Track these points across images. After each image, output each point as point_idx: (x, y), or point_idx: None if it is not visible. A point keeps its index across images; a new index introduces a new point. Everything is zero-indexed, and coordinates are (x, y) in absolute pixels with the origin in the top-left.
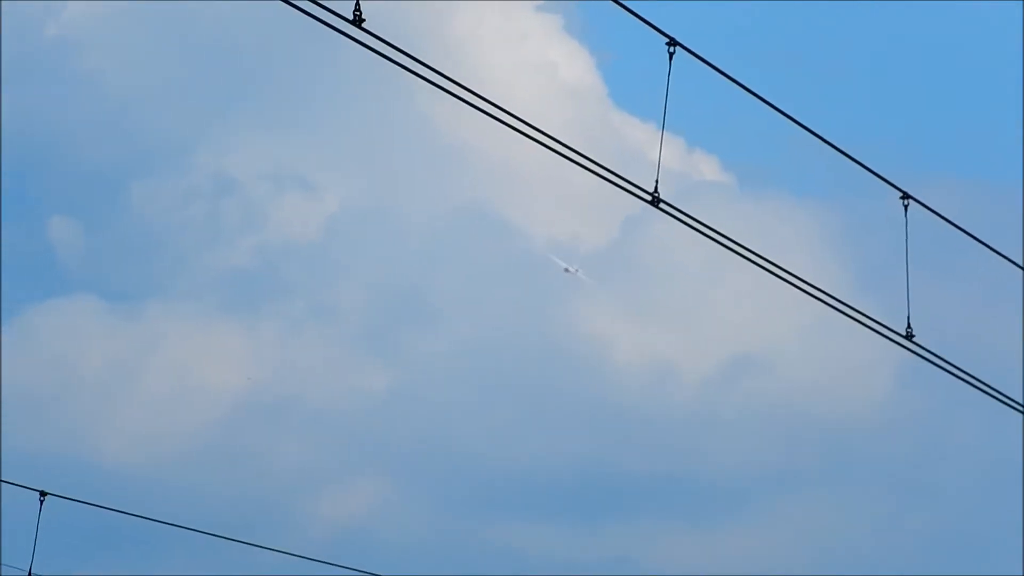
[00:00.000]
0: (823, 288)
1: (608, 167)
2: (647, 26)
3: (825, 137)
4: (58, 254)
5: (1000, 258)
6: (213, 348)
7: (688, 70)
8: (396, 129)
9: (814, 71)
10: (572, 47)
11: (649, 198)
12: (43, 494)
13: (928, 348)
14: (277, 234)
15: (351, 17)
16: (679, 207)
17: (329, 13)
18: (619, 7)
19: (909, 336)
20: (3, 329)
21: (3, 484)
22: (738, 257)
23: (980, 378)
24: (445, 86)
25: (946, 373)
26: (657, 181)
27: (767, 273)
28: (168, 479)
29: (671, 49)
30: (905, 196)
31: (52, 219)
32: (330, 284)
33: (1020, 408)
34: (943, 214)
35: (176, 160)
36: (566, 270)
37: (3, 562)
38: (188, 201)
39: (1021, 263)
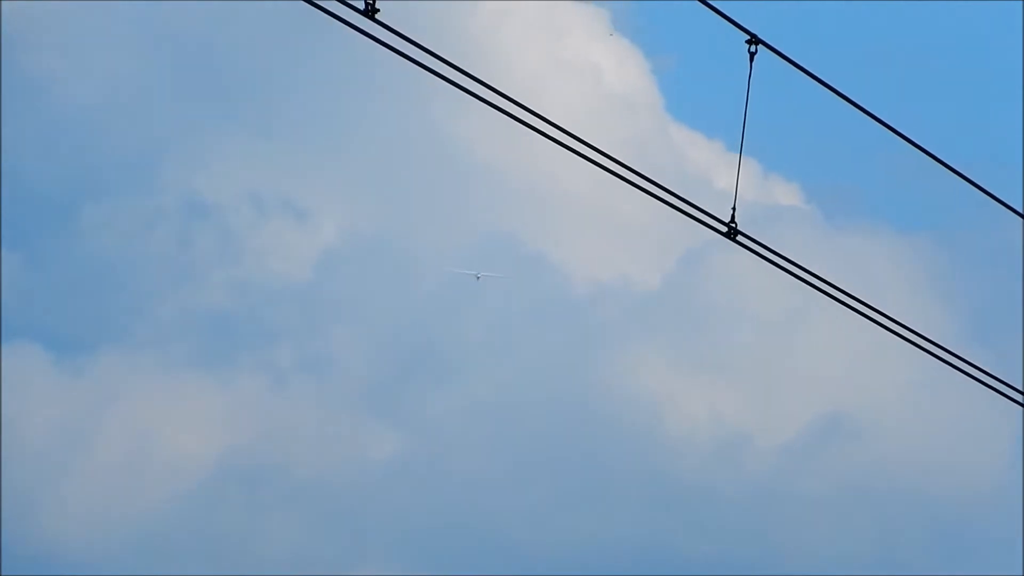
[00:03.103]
0: (929, 337)
1: (671, 190)
2: (718, 23)
3: (933, 153)
4: None
5: None
6: (181, 408)
7: (763, 78)
8: (407, 145)
9: (918, 79)
10: (621, 48)
11: (724, 229)
12: None
13: None
14: (260, 270)
15: (362, 7)
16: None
17: (337, 2)
18: (680, 0)
19: None
20: None
21: None
22: (825, 300)
23: None
24: (469, 87)
25: None
26: (734, 208)
27: (861, 318)
28: (124, 567)
29: (752, 48)
30: None
31: None
32: (324, 331)
33: None
34: None
35: (137, 180)
36: (477, 278)
37: None
38: (151, 229)
39: None
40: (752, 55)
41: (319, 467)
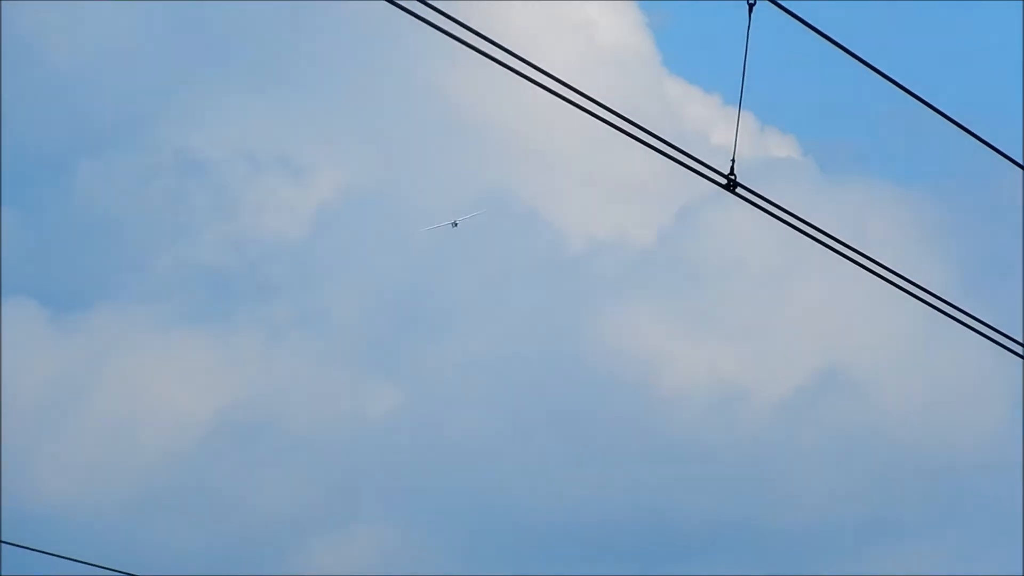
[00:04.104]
0: (927, 288)
1: (670, 142)
2: None
3: (931, 103)
4: None
5: None
6: (176, 363)
7: (761, 30)
8: (403, 101)
9: (916, 30)
10: (617, 3)
11: (724, 182)
12: None
13: None
14: (255, 225)
15: None
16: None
17: None
18: None
19: None
20: None
21: None
22: (822, 253)
23: None
24: (465, 38)
25: None
26: (734, 160)
27: (859, 271)
28: (119, 523)
29: (751, 0)
30: None
31: None
32: (320, 285)
33: None
34: None
35: (132, 136)
36: (454, 224)
37: None
38: (146, 185)
39: None
40: (751, 7)
41: (316, 423)
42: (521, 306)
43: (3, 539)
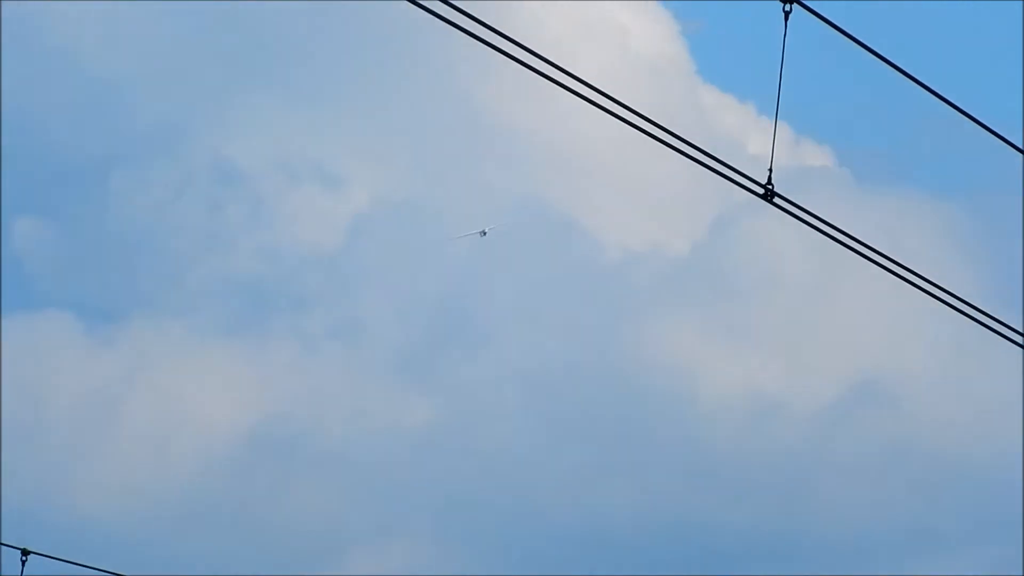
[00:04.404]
0: (965, 298)
1: (706, 151)
2: None
3: (968, 112)
4: (24, 262)
5: None
6: (212, 375)
7: (796, 39)
8: (437, 109)
9: (953, 39)
10: (650, 9)
11: (761, 191)
12: (25, 552)
13: None
14: (290, 236)
15: None
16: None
17: None
18: None
19: None
20: None
21: None
22: (859, 264)
23: None
24: (501, 46)
25: None
26: (771, 170)
27: (896, 282)
28: (156, 537)
29: (787, 8)
30: None
31: (17, 221)
32: (355, 297)
33: None
34: None
35: (167, 147)
36: (483, 233)
37: None
38: (181, 196)
39: None
40: (787, 15)
41: (350, 435)
42: (556, 317)
43: (39, 551)
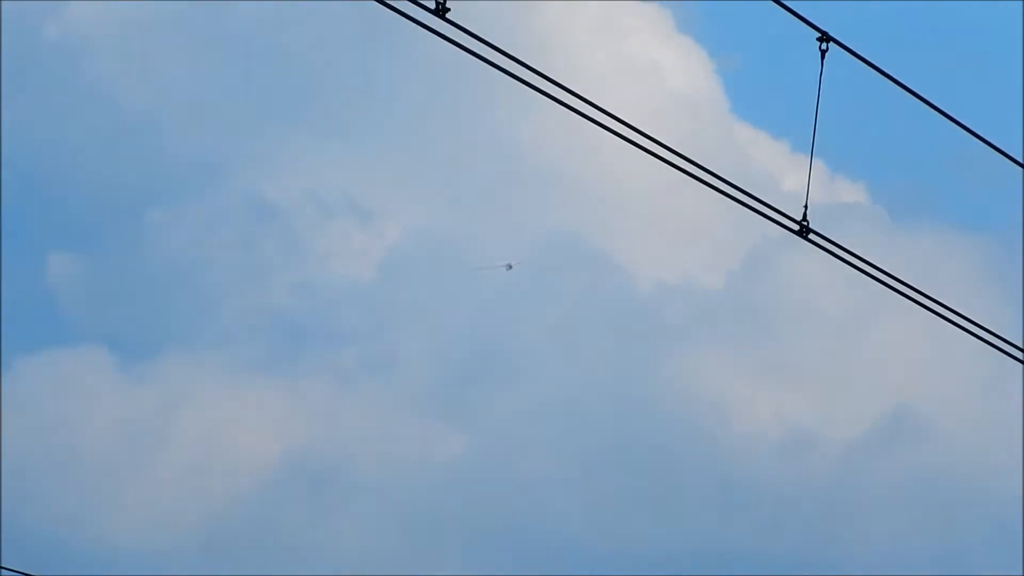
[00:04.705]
0: (998, 333)
1: (741, 187)
2: (786, 21)
3: (1001, 149)
4: (58, 297)
5: None
6: (246, 410)
7: (830, 76)
8: (472, 144)
9: (986, 77)
10: (684, 46)
11: (796, 227)
12: None
13: None
14: (324, 271)
15: (433, 6)
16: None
17: (408, 1)
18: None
19: None
20: None
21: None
22: (892, 299)
23: None
24: (535, 83)
25: None
26: (806, 206)
27: (929, 316)
28: (190, 568)
29: (824, 46)
30: None
31: (51, 255)
32: (389, 332)
33: None
34: None
35: (202, 182)
36: (508, 267)
37: None
38: (216, 231)
39: None
40: (823, 53)
41: (384, 469)
42: (588, 351)
43: None
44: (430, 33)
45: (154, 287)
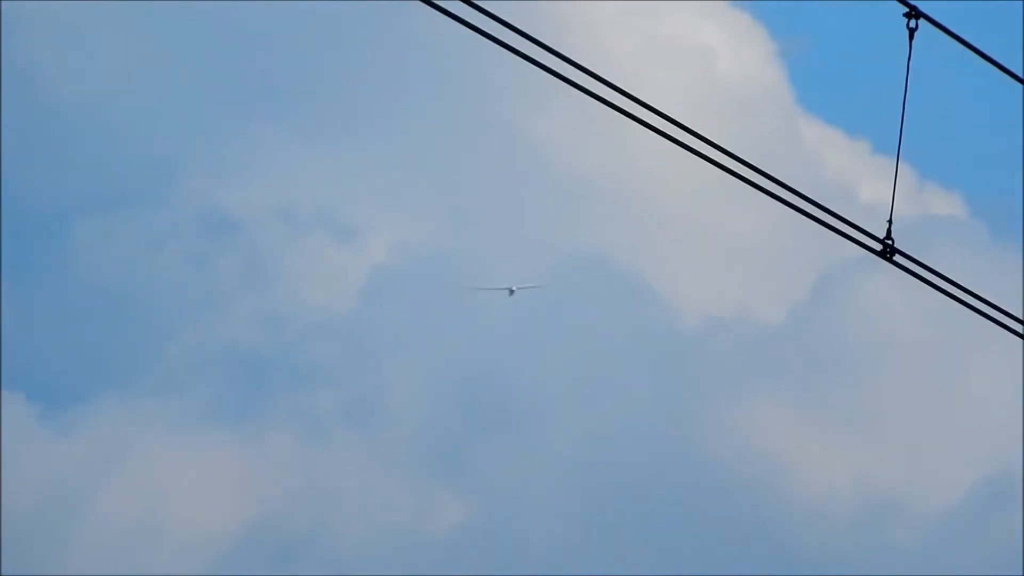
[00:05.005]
0: None
1: (812, 199)
2: None
3: None
4: None
5: None
6: (197, 469)
7: (920, 64)
8: (473, 147)
9: None
10: (741, 27)
11: (879, 248)
12: None
13: None
14: (293, 299)
15: None
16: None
17: None
18: None
19: None
20: None
21: None
22: (995, 333)
23: None
24: (553, 65)
25: None
26: (891, 221)
27: None
28: None
29: (912, 24)
30: None
31: None
32: (371, 372)
33: None
34: None
35: (144, 190)
36: (510, 292)
37: None
38: (161, 249)
39: None
40: (911, 32)
41: (365, 540)
42: (618, 397)
43: None
44: (424, 16)
45: (84, 317)
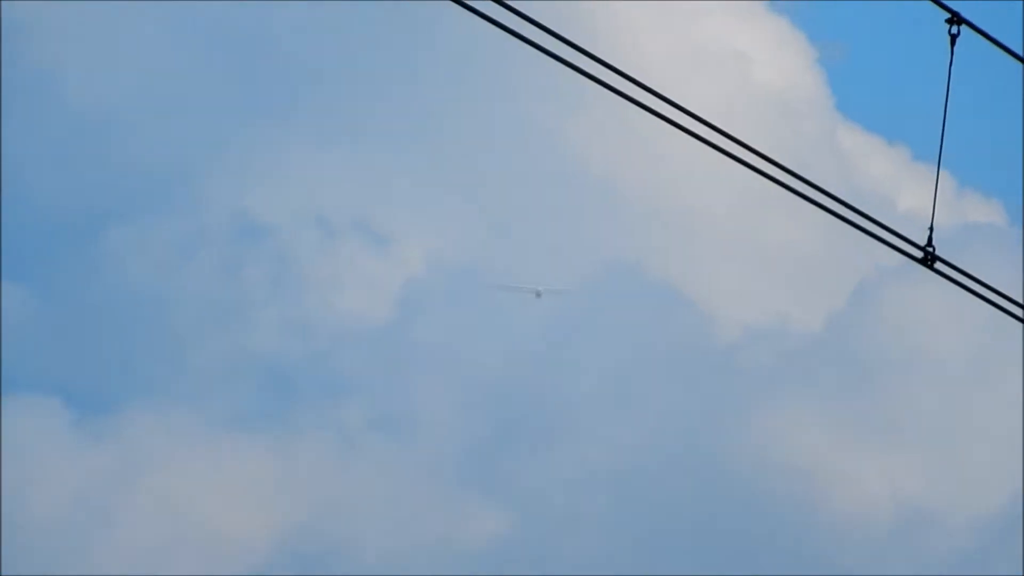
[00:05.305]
0: None
1: (852, 205)
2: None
3: None
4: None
5: None
6: (225, 477)
7: (961, 70)
8: (511, 150)
9: None
10: (777, 31)
11: (920, 255)
12: None
13: None
14: (326, 307)
15: None
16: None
17: None
18: None
19: None
20: None
21: None
22: None
23: None
24: (587, 68)
25: None
26: (932, 228)
27: None
28: None
29: (954, 30)
30: None
31: None
32: (405, 381)
33: None
34: None
35: (174, 197)
36: (536, 294)
37: None
38: (190, 257)
39: None
40: (953, 38)
41: (396, 552)
42: (653, 407)
43: None
44: (455, 17)
45: (114, 325)
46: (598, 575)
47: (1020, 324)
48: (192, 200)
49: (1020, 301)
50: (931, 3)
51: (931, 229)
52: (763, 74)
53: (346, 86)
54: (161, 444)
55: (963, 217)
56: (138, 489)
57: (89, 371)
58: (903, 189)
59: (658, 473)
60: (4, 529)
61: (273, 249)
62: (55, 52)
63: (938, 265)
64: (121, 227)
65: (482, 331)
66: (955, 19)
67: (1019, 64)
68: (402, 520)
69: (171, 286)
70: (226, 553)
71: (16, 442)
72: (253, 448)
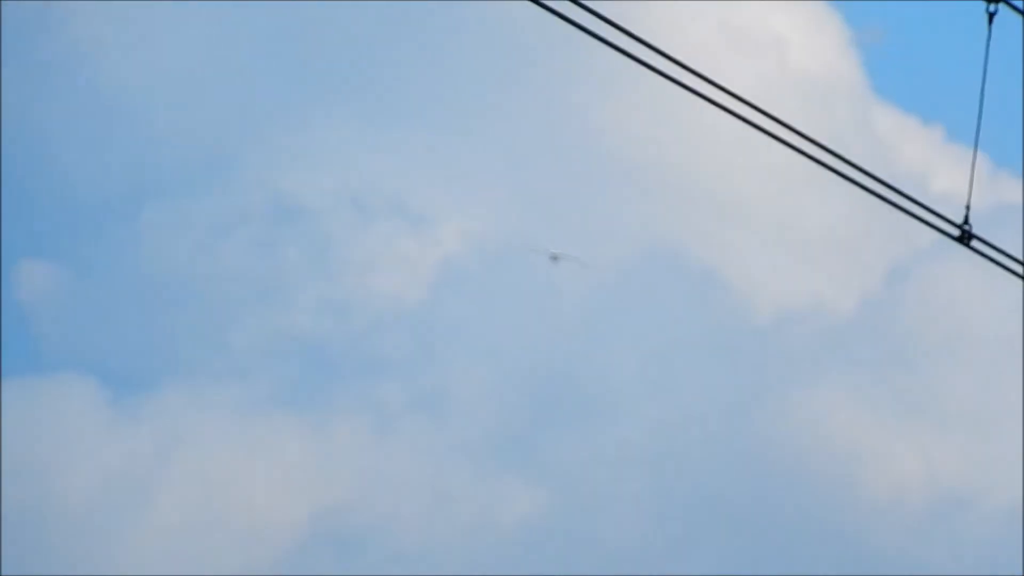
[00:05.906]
0: None
1: (888, 183)
2: None
3: None
4: (31, 316)
5: None
6: (263, 458)
7: (997, 49)
8: (546, 131)
9: None
10: (814, 16)
11: (956, 233)
12: None
13: None
14: (362, 287)
15: None
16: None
17: None
18: None
19: None
20: None
21: None
22: None
23: None
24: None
25: None
26: (968, 207)
27: None
28: None
29: (992, 8)
30: None
31: (22, 264)
32: (441, 360)
33: None
34: None
35: (215, 177)
36: (553, 257)
37: None
38: (228, 237)
39: None
40: (991, 16)
41: (434, 531)
42: (689, 386)
43: None
44: None
45: (151, 304)
46: (635, 553)
47: None
48: (231, 181)
49: None
50: None
51: (967, 207)
52: (799, 58)
53: (384, 69)
54: (198, 423)
55: (999, 197)
56: (175, 468)
57: (126, 350)
58: (938, 170)
59: (695, 453)
60: (41, 509)
61: (311, 229)
62: (94, 29)
63: (974, 243)
64: (159, 206)
65: (520, 310)
66: None
67: None
68: (439, 499)
69: (209, 265)
70: (263, 532)
71: (52, 421)
72: (290, 427)
